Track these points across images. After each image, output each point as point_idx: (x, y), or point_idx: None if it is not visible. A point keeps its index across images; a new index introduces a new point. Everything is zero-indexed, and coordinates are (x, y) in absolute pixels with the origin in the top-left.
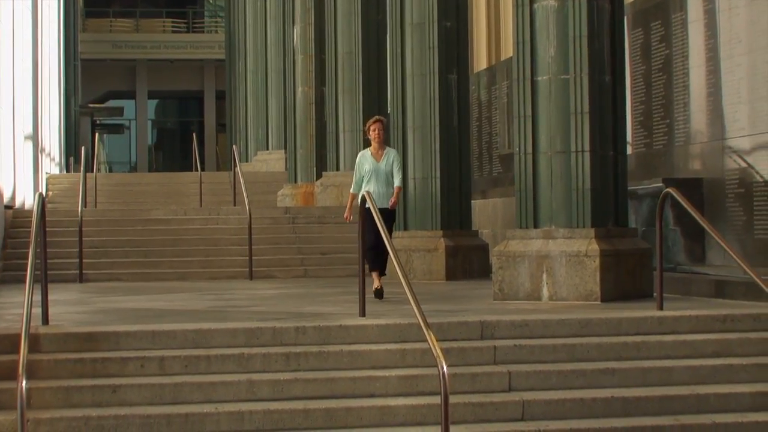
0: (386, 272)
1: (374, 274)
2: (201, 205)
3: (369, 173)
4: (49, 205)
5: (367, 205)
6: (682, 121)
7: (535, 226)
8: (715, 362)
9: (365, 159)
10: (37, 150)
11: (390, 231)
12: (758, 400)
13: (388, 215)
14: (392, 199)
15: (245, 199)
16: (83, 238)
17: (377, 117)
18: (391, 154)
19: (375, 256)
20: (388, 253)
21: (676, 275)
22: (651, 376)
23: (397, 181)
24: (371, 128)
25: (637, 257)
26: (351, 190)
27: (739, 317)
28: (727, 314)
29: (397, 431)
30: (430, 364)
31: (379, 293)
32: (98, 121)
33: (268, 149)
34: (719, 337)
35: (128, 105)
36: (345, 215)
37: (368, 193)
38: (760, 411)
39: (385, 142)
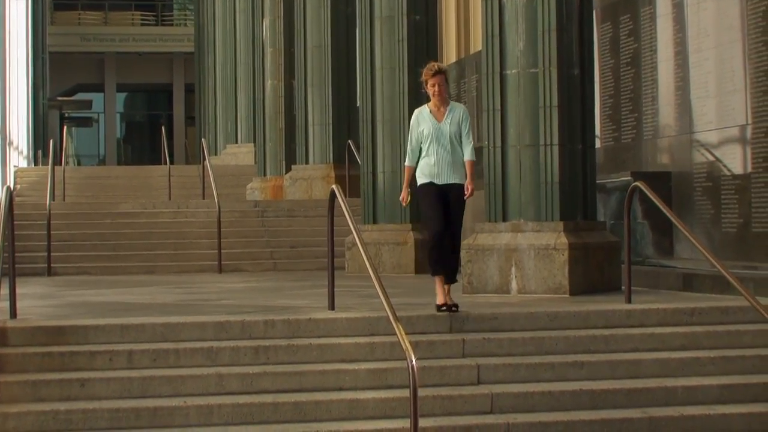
0: (457, 279)
1: (438, 281)
2: (170, 199)
3: (428, 137)
4: (17, 199)
5: (423, 182)
6: (651, 115)
7: (504, 220)
8: (682, 355)
9: (423, 118)
10: (5, 143)
11: (460, 214)
12: (725, 392)
13: (457, 195)
14: (468, 185)
15: (214, 192)
16: (51, 232)
17: (437, 66)
18: (458, 111)
19: (441, 256)
20: (459, 251)
21: (644, 268)
22: (619, 369)
23: (467, 153)
24: (430, 82)
25: (605, 251)
26: (406, 162)
27: (706, 310)
28: (694, 307)
29: (366, 424)
30: (399, 358)
31: (449, 309)
32: (67, 114)
33: (237, 142)
34: (687, 330)
35: (97, 98)
36: (401, 196)
37: (336, 187)
38: (728, 403)
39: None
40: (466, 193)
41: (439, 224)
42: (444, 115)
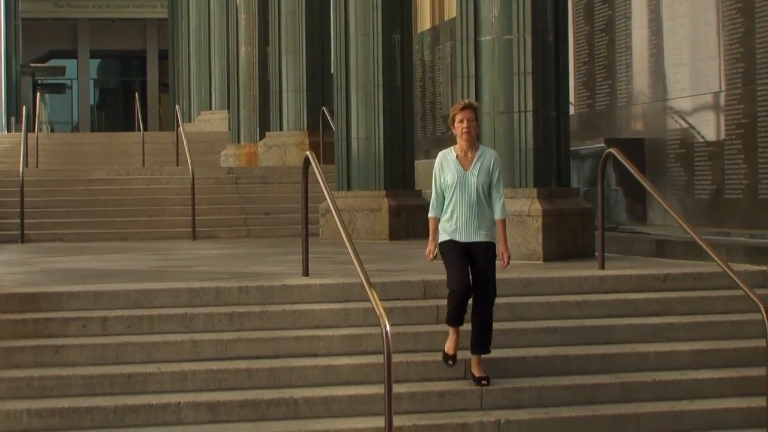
0: (489, 348)
1: (451, 330)
2: (144, 165)
3: (452, 187)
4: None
5: (445, 239)
6: (625, 82)
7: None
8: (655, 321)
9: (447, 165)
10: None
11: (490, 278)
12: (697, 357)
13: (485, 254)
14: (502, 252)
15: (188, 159)
16: (25, 199)
17: (467, 101)
18: (488, 157)
19: (459, 311)
20: (491, 322)
21: (617, 235)
22: (592, 335)
23: (498, 211)
24: (458, 118)
25: (579, 217)
26: (429, 213)
27: (679, 276)
28: (667, 273)
29: (341, 390)
30: (373, 324)
31: (477, 382)
32: (40, 81)
33: (211, 109)
34: (660, 296)
35: (70, 64)
36: (427, 250)
37: (310, 153)
38: (699, 369)
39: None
40: (502, 261)
41: (459, 281)
42: (472, 162)
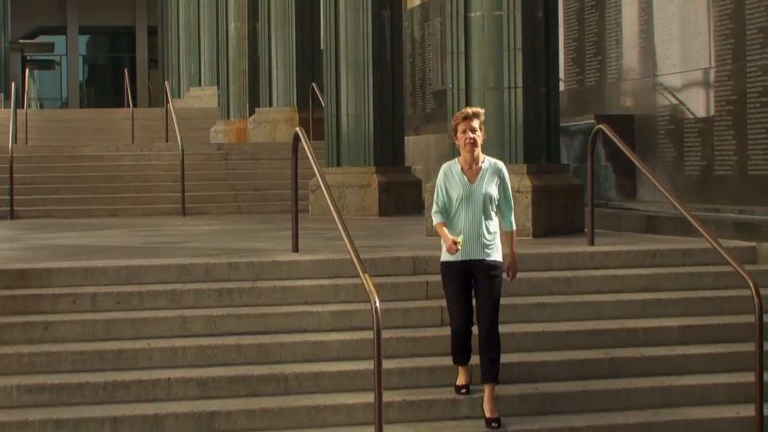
0: (499, 379)
1: (461, 369)
2: (133, 142)
3: (457, 202)
4: None
5: (449, 258)
6: (615, 58)
7: None
8: (644, 296)
9: (452, 179)
10: None
11: (497, 297)
12: (686, 333)
13: (490, 275)
14: (508, 266)
15: (178, 135)
16: (14, 175)
17: (470, 110)
18: (495, 168)
19: (461, 348)
20: (497, 341)
21: (607, 211)
22: (581, 311)
23: (508, 223)
24: (460, 128)
25: (568, 193)
26: (435, 220)
27: (668, 252)
28: (656, 249)
29: (330, 366)
30: (363, 299)
31: (488, 424)
32: (29, 57)
33: (200, 85)
34: (649, 272)
35: (59, 40)
36: (447, 246)
37: (300, 130)
38: (688, 344)
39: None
40: (507, 276)
41: (460, 319)
42: (477, 175)
